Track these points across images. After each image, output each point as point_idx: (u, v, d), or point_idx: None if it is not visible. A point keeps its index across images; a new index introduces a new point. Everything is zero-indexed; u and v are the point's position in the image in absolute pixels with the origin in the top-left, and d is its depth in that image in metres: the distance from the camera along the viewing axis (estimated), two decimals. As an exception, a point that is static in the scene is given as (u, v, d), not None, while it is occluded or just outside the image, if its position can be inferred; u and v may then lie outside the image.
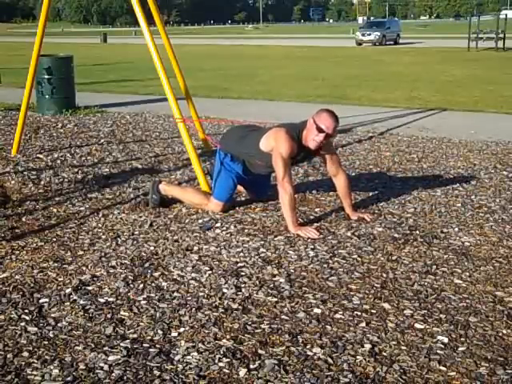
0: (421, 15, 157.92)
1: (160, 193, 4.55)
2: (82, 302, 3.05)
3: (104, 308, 2.99)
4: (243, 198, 4.76)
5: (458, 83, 13.75)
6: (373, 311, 2.96)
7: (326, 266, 3.50)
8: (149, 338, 2.72)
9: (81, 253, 3.70)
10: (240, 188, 4.71)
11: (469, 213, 4.46)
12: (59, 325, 2.82)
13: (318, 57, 24.65)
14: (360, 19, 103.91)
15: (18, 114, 6.65)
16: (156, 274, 3.38)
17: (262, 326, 2.82)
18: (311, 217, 4.36)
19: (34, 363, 2.51)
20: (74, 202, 4.70)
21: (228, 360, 2.54)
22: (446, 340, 2.69)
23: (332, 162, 4.25)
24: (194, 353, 2.59)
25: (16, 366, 2.50)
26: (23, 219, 4.31)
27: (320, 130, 3.99)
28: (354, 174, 5.57)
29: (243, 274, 3.39)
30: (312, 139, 4.04)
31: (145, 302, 3.06)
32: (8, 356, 2.56)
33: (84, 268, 3.47)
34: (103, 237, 3.98)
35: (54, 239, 3.93)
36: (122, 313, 2.94)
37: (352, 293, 3.16)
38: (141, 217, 4.37)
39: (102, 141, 6.99)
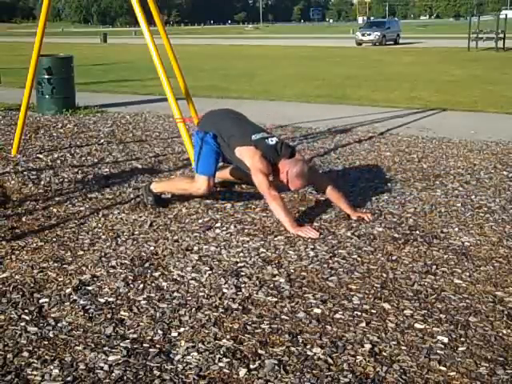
0: (421, 15, 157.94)
1: (152, 192, 4.56)
2: (82, 301, 3.05)
3: (104, 308, 2.99)
4: (243, 198, 4.76)
5: (458, 83, 13.74)
6: (373, 311, 2.96)
7: (326, 266, 3.50)
8: (149, 338, 2.72)
9: (81, 253, 3.70)
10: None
11: (469, 213, 4.46)
12: (59, 325, 2.82)
13: (318, 57, 24.64)
14: (360, 19, 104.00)
15: (17, 114, 6.65)
16: (156, 274, 3.38)
17: (262, 325, 2.82)
18: (311, 217, 4.36)
19: (33, 363, 2.51)
20: (74, 202, 4.70)
21: (228, 360, 2.54)
22: (446, 340, 2.69)
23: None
24: (194, 353, 2.59)
25: (16, 366, 2.50)
26: (23, 219, 4.31)
27: (289, 188, 4.25)
28: (353, 174, 5.57)
29: (243, 274, 3.39)
30: (280, 182, 4.20)
31: (145, 302, 3.06)
32: (8, 356, 2.56)
33: (84, 268, 3.47)
34: (103, 237, 3.98)
35: (54, 239, 3.93)
36: (122, 313, 2.94)
37: (352, 293, 3.16)
38: (141, 217, 4.37)
39: (102, 141, 6.99)
